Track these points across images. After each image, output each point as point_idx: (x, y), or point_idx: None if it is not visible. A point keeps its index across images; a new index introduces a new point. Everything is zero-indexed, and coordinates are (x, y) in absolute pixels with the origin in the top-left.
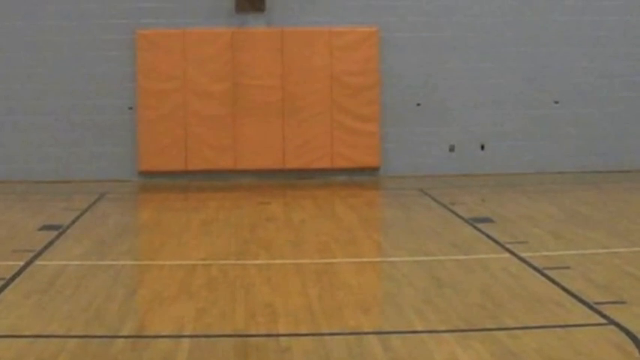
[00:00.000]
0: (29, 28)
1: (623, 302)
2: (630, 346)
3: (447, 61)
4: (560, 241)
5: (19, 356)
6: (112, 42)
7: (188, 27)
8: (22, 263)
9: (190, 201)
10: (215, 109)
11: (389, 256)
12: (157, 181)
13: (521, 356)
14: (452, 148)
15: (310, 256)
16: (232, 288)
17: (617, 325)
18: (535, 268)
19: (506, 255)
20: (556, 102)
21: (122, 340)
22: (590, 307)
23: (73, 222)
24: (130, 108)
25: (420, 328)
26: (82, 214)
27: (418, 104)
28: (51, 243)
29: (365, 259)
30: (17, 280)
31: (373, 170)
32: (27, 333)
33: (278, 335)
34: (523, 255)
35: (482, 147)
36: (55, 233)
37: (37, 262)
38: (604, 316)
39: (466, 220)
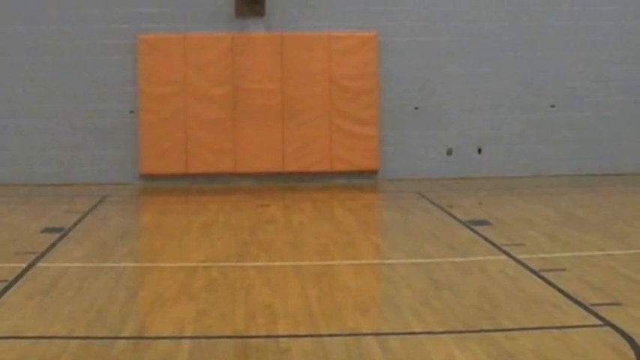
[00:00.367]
0: (31, 33)
1: (618, 304)
2: (626, 347)
3: (445, 66)
4: (556, 244)
5: (21, 357)
6: (114, 46)
7: (189, 32)
8: (24, 265)
9: (191, 204)
10: (215, 112)
11: (387, 258)
12: (158, 184)
13: (518, 357)
14: (449, 152)
15: (309, 258)
16: (232, 290)
17: (613, 326)
18: (531, 270)
19: (503, 257)
20: (552, 106)
21: (123, 341)
22: (586, 309)
23: (75, 224)
24: (132, 112)
25: (417, 330)
26: (83, 217)
27: (416, 108)
28: (53, 245)
29: (363, 262)
30: (20, 282)
31: (372, 173)
32: (29, 334)
33: (277, 336)
34: (520, 257)
35: (480, 150)
36: (57, 235)
37: (40, 264)
38: (600, 317)
39: (463, 223)
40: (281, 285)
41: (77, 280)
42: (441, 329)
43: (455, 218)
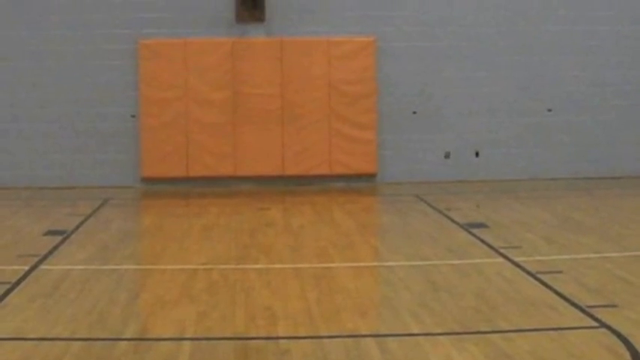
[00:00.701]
0: (34, 38)
1: (614, 306)
2: (621, 349)
3: (443, 70)
4: (553, 246)
5: (24, 358)
6: (115, 51)
7: (189, 37)
8: (27, 267)
9: (191, 207)
10: (216, 116)
11: (386, 260)
12: (159, 187)
13: (515, 358)
14: (447, 155)
15: (309, 261)
16: (233, 292)
17: (609, 328)
18: (528, 273)
19: (500, 259)
20: (549, 110)
21: (125, 342)
22: (583, 311)
23: (77, 227)
24: (133, 116)
25: (416, 331)
26: (85, 220)
27: (414, 112)
28: (55, 248)
29: (362, 264)
30: (22, 284)
31: (370, 177)
32: (32, 336)
33: (277, 338)
34: (517, 259)
35: (477, 154)
36: (59, 238)
37: (42, 267)
38: (596, 319)
39: (461, 226)
40: (281, 287)
41: (79, 283)
42: (439, 331)
43: (453, 221)
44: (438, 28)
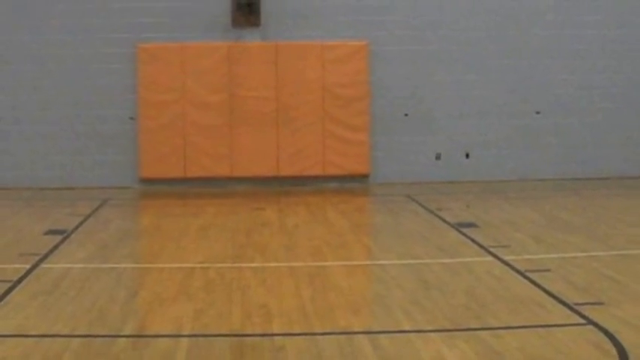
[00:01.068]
0: (35, 42)
1: (601, 303)
2: (608, 345)
3: (434, 74)
4: (541, 245)
5: (25, 355)
6: (114, 55)
7: (187, 41)
8: (28, 266)
9: (189, 207)
10: (212, 119)
11: (378, 259)
12: (157, 187)
13: (504, 355)
14: (438, 157)
15: (303, 260)
16: (229, 290)
17: (596, 325)
18: (517, 271)
19: (490, 258)
20: (537, 112)
21: (124, 339)
22: (570, 308)
23: (77, 227)
24: (132, 118)
25: (407, 328)
26: (85, 220)
27: (406, 114)
28: (56, 247)
29: (355, 263)
30: (24, 282)
31: (363, 177)
32: (33, 333)
33: (273, 335)
34: (506, 258)
35: (467, 155)
36: (59, 237)
37: (43, 265)
38: (583, 316)
39: (452, 225)
40: (276, 285)
41: (79, 281)
42: (430, 328)
43: (443, 221)
44: (429, 33)
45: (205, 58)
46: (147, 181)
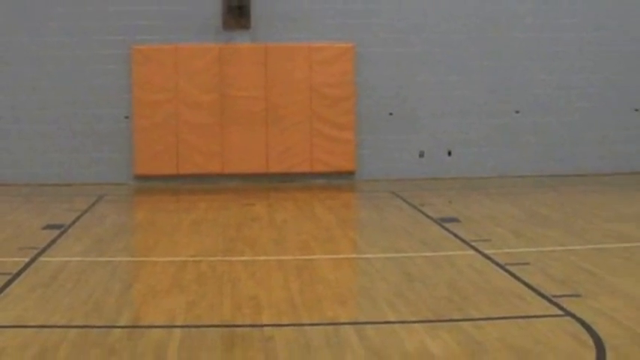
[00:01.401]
0: (33, 44)
1: (578, 295)
2: (585, 335)
3: (417, 75)
4: (520, 239)
5: (24, 345)
6: (110, 56)
7: (180, 43)
8: (27, 259)
9: (181, 202)
10: (204, 118)
11: (364, 253)
12: (151, 184)
13: (485, 345)
14: (421, 154)
15: (292, 253)
16: (220, 282)
17: (573, 316)
18: (498, 264)
19: (471, 252)
20: (517, 112)
21: (119, 330)
22: (549, 300)
23: (74, 222)
24: (127, 117)
25: (392, 319)
26: (82, 215)
27: (390, 114)
28: (54, 241)
29: (342, 256)
30: (23, 275)
31: (349, 174)
32: (32, 323)
33: (262, 325)
34: (487, 252)
35: (449, 153)
36: (57, 232)
37: (41, 259)
38: (561, 308)
39: (434, 220)
40: (265, 278)
41: (76, 274)
42: (413, 319)
43: (426, 216)
44: (413, 35)
45: (197, 59)
46: (141, 177)
